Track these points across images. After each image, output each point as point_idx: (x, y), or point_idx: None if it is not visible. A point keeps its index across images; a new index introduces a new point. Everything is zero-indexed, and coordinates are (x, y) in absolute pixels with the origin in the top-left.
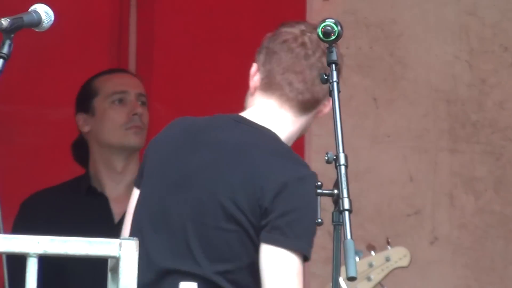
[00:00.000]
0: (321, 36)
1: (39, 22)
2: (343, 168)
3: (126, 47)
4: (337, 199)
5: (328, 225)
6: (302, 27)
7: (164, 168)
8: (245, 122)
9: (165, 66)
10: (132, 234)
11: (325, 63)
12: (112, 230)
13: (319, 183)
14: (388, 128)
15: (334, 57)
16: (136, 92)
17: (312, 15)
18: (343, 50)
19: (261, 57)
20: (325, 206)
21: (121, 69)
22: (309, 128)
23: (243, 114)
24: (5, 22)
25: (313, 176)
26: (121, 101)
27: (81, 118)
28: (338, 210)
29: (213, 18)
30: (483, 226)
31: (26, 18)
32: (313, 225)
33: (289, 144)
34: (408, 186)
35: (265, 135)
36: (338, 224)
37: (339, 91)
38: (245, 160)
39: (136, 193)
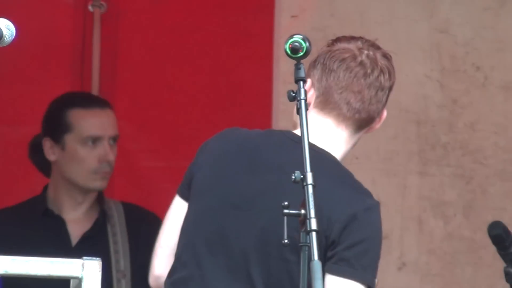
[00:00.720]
0: (289, 52)
1: (0, 36)
2: (310, 187)
3: (90, 64)
4: (304, 220)
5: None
6: (359, 44)
7: (221, 187)
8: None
9: (129, 83)
10: (184, 252)
11: (383, 82)
12: (69, 252)
13: (286, 203)
14: (357, 150)
15: (302, 74)
16: (110, 136)
17: (280, 31)
18: None
19: (317, 73)
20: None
21: (98, 102)
22: None
23: (298, 132)
24: None
25: (378, 206)
26: (94, 142)
27: (48, 144)
28: (305, 231)
29: (178, 34)
30: (451, 252)
31: None
32: (378, 255)
33: (342, 161)
34: None
35: (326, 159)
36: (305, 245)
37: (306, 109)
38: None
39: (181, 203)
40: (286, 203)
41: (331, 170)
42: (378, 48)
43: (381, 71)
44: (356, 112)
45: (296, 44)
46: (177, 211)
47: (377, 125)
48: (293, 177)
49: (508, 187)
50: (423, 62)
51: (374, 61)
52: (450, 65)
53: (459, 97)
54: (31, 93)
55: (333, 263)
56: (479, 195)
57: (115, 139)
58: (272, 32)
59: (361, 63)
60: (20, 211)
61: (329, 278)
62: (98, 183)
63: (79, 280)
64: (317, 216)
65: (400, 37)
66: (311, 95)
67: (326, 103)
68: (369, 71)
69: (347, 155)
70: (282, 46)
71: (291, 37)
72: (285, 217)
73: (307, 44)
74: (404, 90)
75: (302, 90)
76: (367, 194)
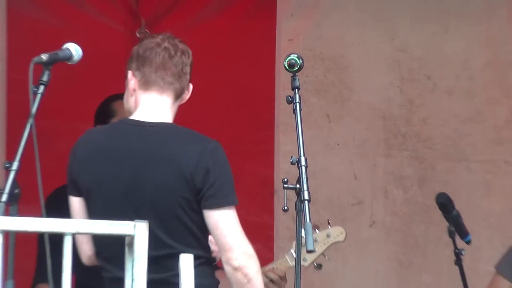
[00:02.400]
0: (287, 67)
1: (70, 57)
2: (303, 168)
3: None
4: (299, 192)
5: (292, 212)
6: (160, 37)
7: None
8: (144, 125)
9: None
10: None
11: (185, 60)
12: None
13: (285, 179)
14: (338, 138)
15: (297, 83)
16: None
17: (280, 52)
18: (303, 78)
19: (134, 65)
20: (289, 196)
21: None
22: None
23: (138, 117)
24: (44, 57)
25: (218, 144)
26: None
27: None
28: (300, 200)
29: (201, 53)
30: (409, 213)
31: (60, 53)
32: (231, 181)
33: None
34: (353, 182)
35: (167, 129)
36: (300, 211)
37: (300, 109)
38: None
39: (75, 200)
40: (285, 179)
41: (175, 134)
42: (175, 38)
43: (182, 52)
44: (170, 83)
45: (292, 61)
46: (75, 208)
47: (187, 96)
48: (291, 160)
49: (450, 166)
50: (387, 73)
51: (175, 46)
52: (408, 75)
53: (414, 99)
54: (92, 98)
55: (205, 201)
56: (429, 171)
57: None
58: (274, 52)
59: (165, 48)
60: None
61: (207, 213)
62: None
63: (131, 237)
64: (177, 171)
65: (370, 55)
66: (134, 82)
67: (147, 83)
68: (172, 53)
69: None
70: (282, 62)
71: (288, 55)
72: (285, 190)
73: (301, 61)
74: (374, 94)
75: (297, 96)
76: (205, 140)
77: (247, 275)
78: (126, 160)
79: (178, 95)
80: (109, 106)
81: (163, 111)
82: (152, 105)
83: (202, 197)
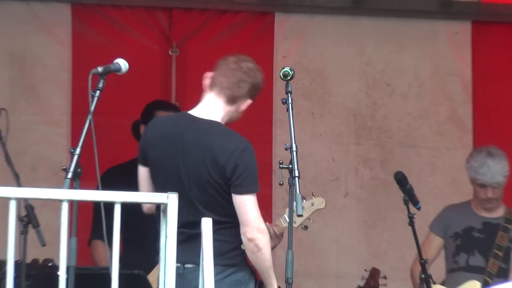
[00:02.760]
0: (282, 77)
1: (119, 69)
2: (294, 153)
3: (170, 87)
4: (291, 170)
5: (285, 186)
6: (236, 57)
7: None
8: (198, 120)
9: (193, 101)
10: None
11: (245, 77)
12: None
13: (281, 161)
14: (320, 131)
15: (289, 89)
16: None
17: (277, 65)
18: (294, 85)
19: (214, 71)
20: (284, 174)
21: (173, 107)
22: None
23: (195, 112)
24: (100, 69)
25: (250, 145)
26: None
27: (143, 128)
28: (292, 177)
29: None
30: (374, 186)
31: (112, 66)
32: (255, 174)
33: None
34: (331, 163)
35: (212, 125)
36: (291, 185)
37: (292, 109)
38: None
39: (142, 169)
40: (281, 161)
41: (218, 131)
42: (248, 60)
43: (245, 71)
44: (226, 89)
45: (286, 72)
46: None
47: (242, 106)
48: (285, 146)
49: (405, 151)
50: (357, 82)
51: (240, 63)
52: (373, 83)
53: (377, 101)
54: (136, 101)
55: (233, 188)
56: (389, 155)
57: None
58: (272, 65)
59: (234, 62)
60: (126, 165)
61: (234, 196)
62: None
63: (165, 205)
64: (214, 161)
65: (344, 67)
66: (207, 81)
67: (211, 85)
68: (236, 67)
69: (230, 119)
70: (278, 73)
71: (283, 68)
72: (280, 169)
73: (292, 72)
74: (347, 97)
75: (290, 98)
76: (240, 140)
77: (258, 245)
78: (181, 146)
79: (229, 101)
80: (152, 113)
81: (215, 111)
82: (208, 103)
83: (231, 184)
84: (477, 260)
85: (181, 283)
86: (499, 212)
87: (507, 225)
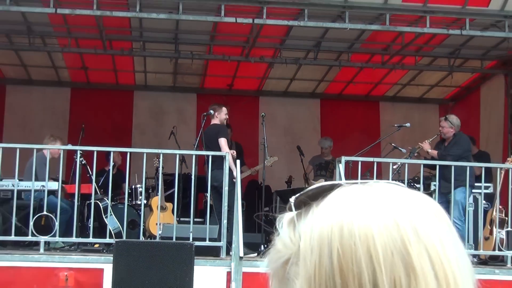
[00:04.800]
0: (262, 118)
1: (211, 114)
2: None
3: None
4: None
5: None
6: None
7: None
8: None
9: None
10: None
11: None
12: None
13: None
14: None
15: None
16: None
17: (260, 119)
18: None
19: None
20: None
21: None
22: None
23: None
24: (210, 109)
25: None
26: None
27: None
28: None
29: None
30: None
31: (209, 110)
32: None
33: None
34: None
35: None
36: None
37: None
38: None
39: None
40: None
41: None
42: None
43: (213, 107)
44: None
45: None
46: None
47: (218, 115)
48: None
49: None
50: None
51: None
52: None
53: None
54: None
55: None
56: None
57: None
58: (257, 119)
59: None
60: None
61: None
62: None
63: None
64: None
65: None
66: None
67: (213, 109)
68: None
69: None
70: (260, 119)
71: (263, 114)
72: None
73: (264, 114)
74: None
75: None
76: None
77: None
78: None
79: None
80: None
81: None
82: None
83: None
84: None
85: None
86: None
87: None
